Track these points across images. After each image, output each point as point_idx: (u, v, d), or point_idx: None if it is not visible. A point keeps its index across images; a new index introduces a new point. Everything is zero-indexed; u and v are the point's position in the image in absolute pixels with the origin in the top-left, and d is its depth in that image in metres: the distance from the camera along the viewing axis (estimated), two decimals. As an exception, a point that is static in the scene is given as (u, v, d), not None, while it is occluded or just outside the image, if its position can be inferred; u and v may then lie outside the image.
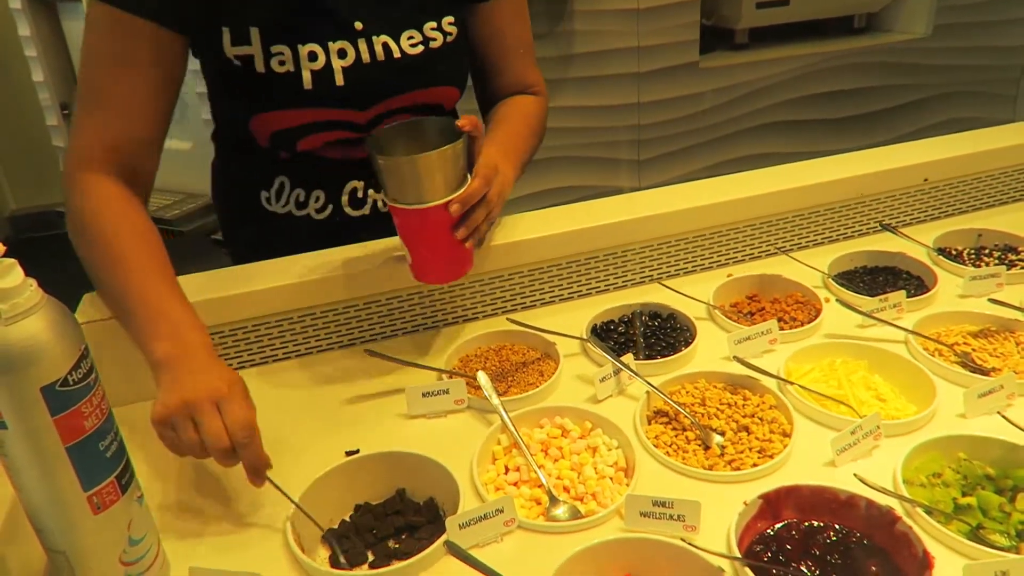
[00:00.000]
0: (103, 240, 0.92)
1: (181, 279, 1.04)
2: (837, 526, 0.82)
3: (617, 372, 1.00)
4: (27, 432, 0.63)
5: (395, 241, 1.12)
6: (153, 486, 0.81)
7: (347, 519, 0.86)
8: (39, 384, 0.61)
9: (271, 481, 0.81)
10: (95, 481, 0.67)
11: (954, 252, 1.31)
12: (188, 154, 2.74)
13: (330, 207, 1.15)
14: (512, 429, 0.91)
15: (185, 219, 2.75)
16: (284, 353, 1.11)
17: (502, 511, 0.80)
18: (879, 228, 1.36)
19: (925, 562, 0.74)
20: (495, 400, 0.94)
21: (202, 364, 0.83)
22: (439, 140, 0.94)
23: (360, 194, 1.16)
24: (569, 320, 1.14)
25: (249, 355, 1.10)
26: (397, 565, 0.77)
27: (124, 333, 0.98)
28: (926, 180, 1.35)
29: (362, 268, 1.09)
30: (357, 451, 0.91)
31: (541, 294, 1.21)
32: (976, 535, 0.79)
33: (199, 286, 1.05)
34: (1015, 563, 0.71)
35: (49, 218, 3.60)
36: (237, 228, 1.25)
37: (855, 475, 0.83)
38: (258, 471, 0.81)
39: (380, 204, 1.17)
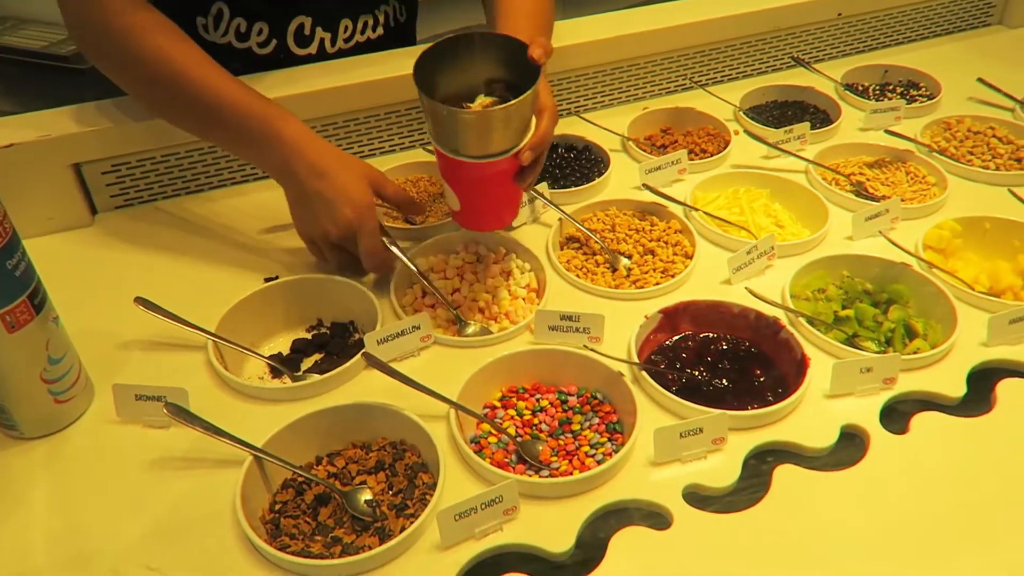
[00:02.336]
0: (178, 72, 0.89)
1: (74, 107, 1.00)
2: (729, 336, 0.89)
3: (532, 200, 1.02)
4: (-73, 249, 0.62)
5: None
6: (69, 314, 0.82)
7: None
8: (-67, 199, 0.60)
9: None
10: (6, 300, 0.68)
11: (861, 88, 1.35)
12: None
13: (274, 42, 1.08)
14: (414, 268, 0.91)
15: (82, 56, 2.56)
16: (197, 185, 1.09)
17: (418, 327, 0.84)
18: (791, 63, 1.38)
19: (802, 363, 0.82)
20: (400, 255, 0.91)
21: (329, 186, 0.86)
22: (490, 61, 0.82)
23: (307, 31, 1.08)
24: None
25: (160, 187, 1.07)
26: (319, 377, 0.81)
27: (22, 163, 0.95)
28: (840, 15, 1.37)
29: (276, 95, 1.05)
30: (276, 278, 0.93)
31: (459, 126, 1.20)
32: (851, 342, 0.87)
33: (103, 115, 1.00)
34: (878, 361, 0.80)
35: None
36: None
37: (746, 288, 0.89)
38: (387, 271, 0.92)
39: (328, 44, 1.10)
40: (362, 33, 1.13)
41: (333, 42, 1.11)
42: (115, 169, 1.03)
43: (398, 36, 1.19)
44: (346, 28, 1.11)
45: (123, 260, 0.99)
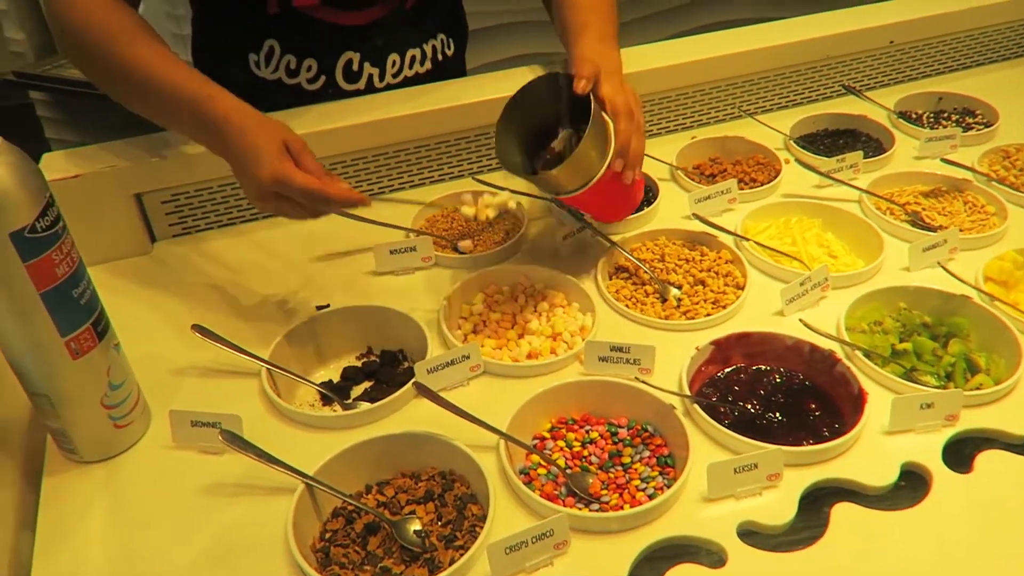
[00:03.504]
0: (107, 48, 0.88)
1: (136, 139, 1.04)
2: (782, 369, 0.87)
3: (580, 230, 1.02)
4: (0, 278, 0.64)
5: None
6: (128, 340, 0.83)
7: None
8: (7, 230, 0.62)
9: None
10: (71, 327, 0.70)
11: (914, 115, 1.33)
12: (140, 17, 2.62)
13: (322, 78, 1.10)
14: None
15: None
16: (252, 214, 1.12)
17: (468, 357, 0.84)
18: (842, 91, 1.37)
19: (859, 398, 0.80)
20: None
21: (244, 151, 0.83)
22: (556, 96, 0.91)
23: (356, 67, 1.10)
24: (535, 181, 1.15)
25: (216, 216, 1.10)
26: (369, 406, 0.82)
27: (87, 193, 0.99)
28: (892, 42, 1.35)
29: (328, 127, 1.08)
30: (327, 306, 0.94)
31: (507, 156, 1.21)
32: (910, 376, 0.85)
33: (165, 146, 1.04)
34: (939, 396, 0.78)
35: (-1, 89, 3.45)
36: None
37: (800, 320, 0.88)
38: (354, 204, 0.84)
39: (376, 79, 1.13)
40: (410, 68, 1.15)
41: (381, 77, 1.13)
42: (174, 198, 1.06)
43: (447, 70, 1.20)
44: (394, 63, 1.13)
45: (180, 288, 1.01)
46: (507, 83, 1.15)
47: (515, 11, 2.19)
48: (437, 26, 1.17)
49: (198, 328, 0.85)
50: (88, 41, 0.90)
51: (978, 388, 0.82)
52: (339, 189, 0.83)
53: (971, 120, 1.30)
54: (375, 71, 1.12)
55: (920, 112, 1.34)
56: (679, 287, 0.97)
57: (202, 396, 0.86)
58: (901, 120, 1.29)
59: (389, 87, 1.14)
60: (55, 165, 0.99)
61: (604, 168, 0.88)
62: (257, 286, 1.00)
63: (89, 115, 2.75)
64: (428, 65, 1.17)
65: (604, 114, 0.89)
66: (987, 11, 1.40)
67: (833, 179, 1.12)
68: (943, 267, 0.97)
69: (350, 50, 1.09)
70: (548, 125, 0.94)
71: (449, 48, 1.20)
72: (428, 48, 1.16)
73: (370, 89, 1.13)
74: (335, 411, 0.84)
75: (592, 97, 0.88)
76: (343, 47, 1.08)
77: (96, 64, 0.92)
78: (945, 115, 1.33)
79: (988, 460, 0.76)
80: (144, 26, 0.91)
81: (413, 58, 1.14)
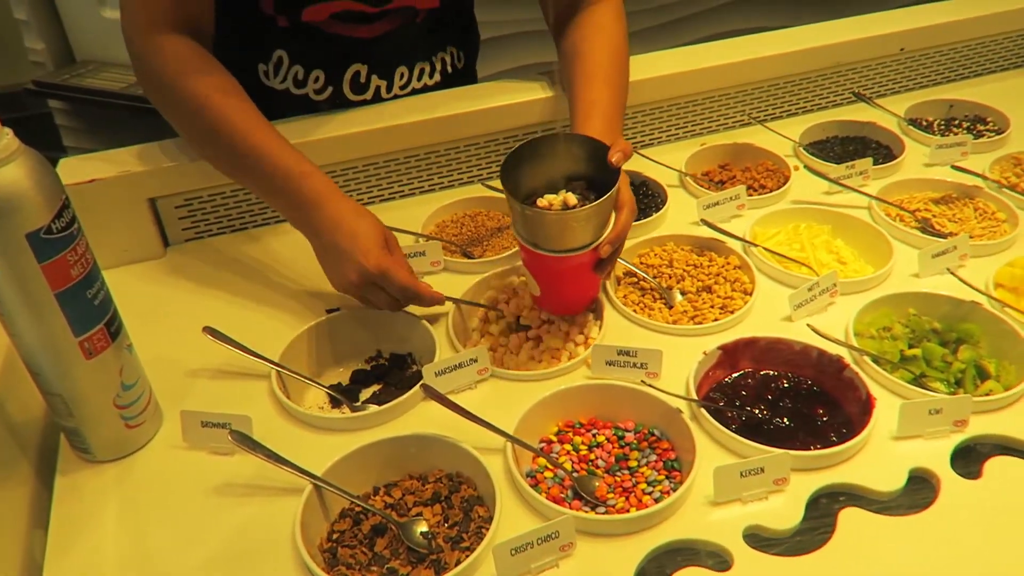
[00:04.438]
0: (196, 101, 0.91)
1: (151, 144, 1.05)
2: (790, 374, 0.87)
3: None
4: (16, 278, 0.65)
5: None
6: (141, 342, 0.85)
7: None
8: (24, 231, 0.64)
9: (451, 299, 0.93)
10: (85, 327, 0.71)
11: (925, 123, 1.32)
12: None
13: (330, 89, 1.11)
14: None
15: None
16: (264, 219, 1.13)
17: (476, 360, 0.85)
18: (853, 98, 1.37)
19: (867, 403, 0.80)
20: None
21: (343, 238, 0.88)
22: (572, 158, 0.87)
23: (363, 79, 1.11)
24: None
25: (229, 221, 1.11)
26: (377, 408, 0.82)
27: (102, 197, 1.00)
28: (902, 49, 1.35)
29: (339, 133, 1.09)
30: (338, 309, 0.95)
31: (517, 162, 1.22)
32: (919, 382, 0.85)
33: (178, 152, 1.05)
34: (948, 402, 0.78)
35: (19, 98, 3.49)
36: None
37: (808, 325, 0.88)
38: (439, 303, 0.91)
39: (384, 91, 1.13)
40: (418, 80, 1.15)
41: (389, 89, 1.13)
42: (188, 203, 1.08)
43: (457, 81, 1.21)
44: (402, 75, 1.13)
45: (193, 291, 1.02)
46: (517, 91, 1.17)
47: (527, 20, 2.21)
48: (447, 40, 1.17)
49: (209, 330, 0.86)
50: (175, 89, 0.92)
51: (987, 394, 0.82)
52: (429, 291, 0.90)
53: (982, 127, 1.30)
54: (383, 83, 1.13)
55: (931, 119, 1.33)
56: (684, 292, 0.97)
57: (213, 397, 0.86)
58: (912, 127, 1.28)
59: (397, 98, 1.15)
60: (71, 170, 1.01)
61: (593, 244, 0.84)
62: (268, 290, 1.01)
63: (107, 124, 2.79)
64: (437, 77, 1.18)
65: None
66: (998, 19, 1.40)
67: (842, 185, 1.12)
68: (953, 273, 0.96)
69: (358, 62, 1.10)
70: (551, 179, 0.88)
71: (459, 61, 1.21)
72: (437, 61, 1.16)
73: (377, 101, 1.14)
74: (344, 413, 0.85)
75: (617, 173, 0.83)
76: (351, 59, 1.09)
77: (181, 113, 0.94)
78: (956, 122, 1.32)
79: (997, 466, 0.75)
80: (232, 81, 0.94)
81: (422, 71, 1.15)
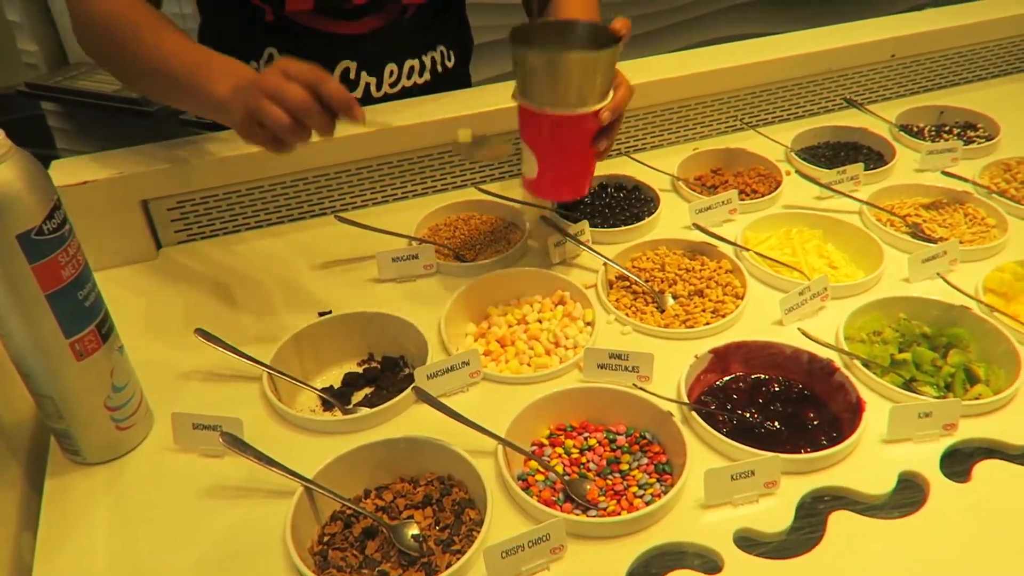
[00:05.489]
0: (133, 29, 0.92)
1: (143, 147, 1.05)
2: (781, 378, 0.88)
3: (578, 234, 1.03)
4: (6, 279, 0.65)
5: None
6: (132, 344, 0.84)
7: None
8: (15, 231, 0.63)
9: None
10: (76, 329, 0.71)
11: (916, 129, 1.33)
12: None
13: None
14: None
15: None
16: (256, 221, 1.13)
17: (468, 363, 0.85)
18: (844, 104, 1.37)
19: (858, 407, 0.81)
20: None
21: (234, 64, 0.87)
22: (581, 43, 0.89)
23: (352, 75, 1.11)
24: (537, 191, 1.16)
25: (222, 223, 1.11)
26: (369, 411, 0.82)
27: (94, 199, 1.00)
28: (893, 56, 1.36)
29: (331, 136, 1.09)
30: (329, 312, 0.95)
31: (510, 166, 1.22)
32: (909, 386, 0.85)
33: (171, 154, 1.05)
34: (937, 406, 0.78)
35: (12, 99, 3.48)
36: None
37: (799, 329, 0.88)
38: (350, 104, 0.78)
39: (373, 88, 1.13)
40: (408, 78, 1.15)
41: (379, 87, 1.14)
42: (180, 205, 1.08)
43: (448, 81, 1.21)
44: (391, 73, 1.13)
45: (184, 293, 1.02)
46: (509, 94, 1.17)
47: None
48: (437, 38, 1.18)
49: (201, 332, 0.86)
50: (115, 35, 0.93)
51: (977, 398, 0.82)
52: (338, 87, 0.78)
53: (972, 133, 1.31)
54: (372, 80, 1.13)
55: (922, 125, 1.34)
56: (676, 297, 0.97)
57: (205, 399, 0.86)
58: (902, 133, 1.29)
59: (387, 97, 1.15)
60: (63, 171, 1.01)
61: (596, 107, 0.87)
62: (261, 292, 1.01)
63: (100, 126, 2.78)
64: (427, 76, 1.18)
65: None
66: (988, 26, 1.41)
67: (834, 191, 1.13)
68: (943, 278, 0.97)
69: (347, 59, 1.10)
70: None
71: (449, 60, 1.21)
72: (427, 59, 1.17)
73: (367, 98, 1.14)
74: (335, 416, 0.85)
75: (620, 36, 0.86)
76: (340, 56, 1.10)
77: (120, 56, 0.95)
78: (947, 128, 1.33)
79: (986, 470, 0.76)
80: (167, 20, 0.95)
81: (412, 68, 1.15)
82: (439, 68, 1.19)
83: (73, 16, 0.97)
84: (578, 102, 0.86)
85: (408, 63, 1.14)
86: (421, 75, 1.17)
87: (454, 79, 1.23)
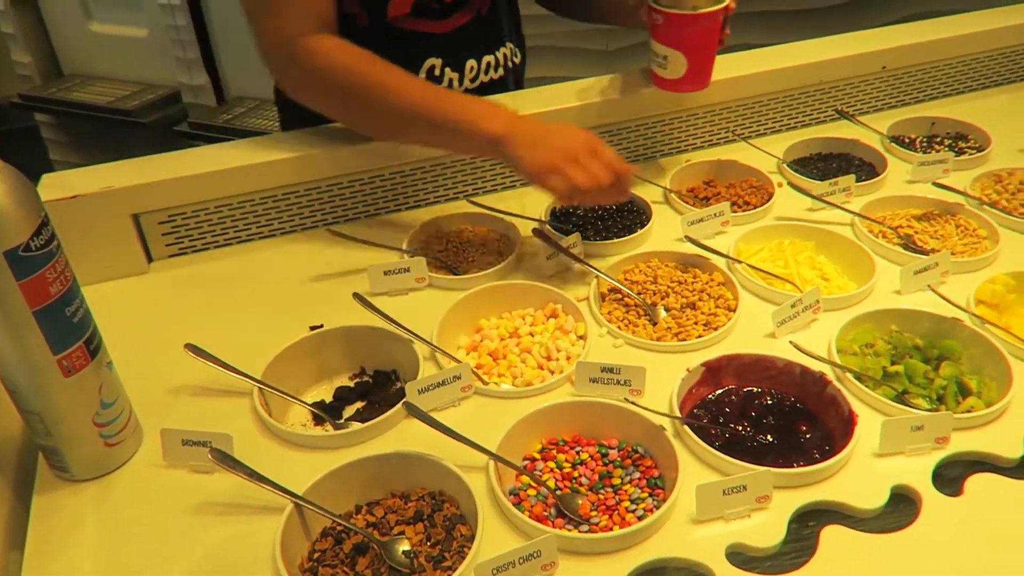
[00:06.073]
0: (379, 81, 1.00)
1: (135, 160, 1.05)
2: (773, 391, 0.87)
3: (570, 247, 1.03)
4: (-7, 296, 0.65)
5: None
6: (122, 359, 0.84)
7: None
8: (2, 248, 0.63)
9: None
10: (64, 345, 0.70)
11: (907, 140, 1.34)
12: (144, 42, 2.65)
13: None
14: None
15: (146, 110, 2.67)
16: (248, 235, 1.13)
17: (459, 377, 0.85)
18: (836, 115, 1.38)
19: (849, 420, 0.81)
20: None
21: (551, 128, 0.98)
22: None
23: (438, 72, 1.14)
24: (531, 203, 1.16)
25: (213, 236, 1.11)
26: (360, 426, 0.82)
27: (85, 213, 1.00)
28: (884, 67, 1.37)
29: (323, 149, 1.09)
30: (321, 326, 0.94)
31: (503, 178, 1.22)
32: (901, 399, 0.85)
33: (163, 167, 1.05)
34: (929, 419, 0.78)
35: (6, 111, 3.48)
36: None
37: (791, 342, 0.88)
38: (627, 193, 1.00)
39: (456, 83, 1.17)
40: (485, 73, 1.20)
41: (460, 82, 1.17)
42: (171, 219, 1.07)
43: (514, 78, 1.27)
44: (472, 69, 1.17)
45: (175, 307, 1.02)
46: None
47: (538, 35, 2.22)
48: (506, 35, 1.23)
49: (191, 347, 0.86)
50: (356, 87, 1.00)
51: (969, 411, 0.82)
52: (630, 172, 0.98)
53: (963, 144, 1.31)
54: (455, 76, 1.16)
55: (913, 137, 1.35)
56: (668, 310, 0.97)
57: (195, 415, 0.86)
58: (894, 144, 1.30)
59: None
60: (53, 186, 1.00)
61: (727, 2, 1.08)
62: (252, 306, 1.01)
63: (94, 138, 2.78)
64: (500, 72, 1.22)
65: None
66: (978, 38, 1.42)
67: (825, 202, 1.13)
68: (934, 290, 0.97)
69: (433, 56, 1.13)
70: None
71: (516, 56, 1.26)
72: (500, 55, 1.21)
73: None
74: (327, 431, 0.85)
75: None
76: (427, 54, 1.13)
77: (365, 106, 1.01)
78: (938, 139, 1.34)
79: (978, 483, 0.76)
80: (399, 68, 1.01)
81: (488, 64, 1.20)
82: (509, 64, 1.24)
83: (303, 72, 1.01)
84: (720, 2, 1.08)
85: (485, 59, 1.19)
86: (496, 71, 1.21)
87: (518, 77, 1.28)
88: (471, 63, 1.17)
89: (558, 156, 0.94)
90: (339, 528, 0.73)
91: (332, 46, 1.00)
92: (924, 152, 1.30)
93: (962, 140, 1.33)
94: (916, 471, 0.76)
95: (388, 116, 1.01)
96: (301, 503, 0.72)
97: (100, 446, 0.77)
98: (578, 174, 0.93)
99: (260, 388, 0.85)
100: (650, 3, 1.10)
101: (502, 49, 1.21)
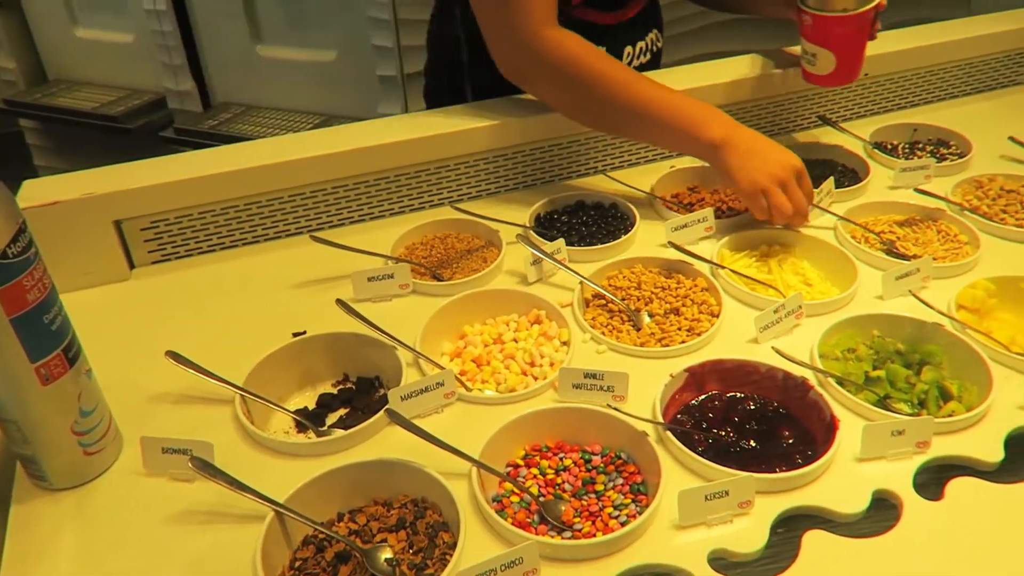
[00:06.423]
0: (611, 76, 1.06)
1: (117, 166, 1.05)
2: (756, 396, 0.88)
3: (554, 253, 1.03)
4: (-31, 304, 0.64)
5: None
6: (103, 367, 0.83)
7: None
8: (-22, 256, 0.63)
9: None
10: (41, 353, 0.70)
11: (890, 146, 1.35)
12: (130, 47, 2.64)
13: None
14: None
15: (131, 116, 2.66)
16: (231, 241, 1.12)
17: (442, 384, 0.84)
18: (818, 122, 1.39)
19: (831, 425, 0.81)
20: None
21: (765, 143, 1.06)
22: None
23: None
24: (517, 209, 1.16)
25: (196, 243, 1.10)
26: (342, 433, 0.82)
27: (66, 219, 0.99)
28: (867, 74, 1.38)
29: (308, 155, 1.09)
30: (304, 332, 0.94)
31: (488, 184, 1.22)
32: (883, 404, 0.86)
33: (145, 174, 1.05)
34: (910, 424, 0.78)
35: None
36: (484, 68, 1.18)
37: (773, 347, 0.89)
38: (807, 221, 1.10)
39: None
40: (636, 59, 1.27)
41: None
42: (154, 225, 1.07)
43: (657, 61, 1.35)
44: (628, 54, 1.25)
45: (157, 314, 1.01)
46: (487, 115, 1.17)
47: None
48: (653, 21, 1.31)
49: (172, 354, 0.85)
50: (583, 77, 1.06)
51: (950, 415, 0.83)
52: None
53: (945, 151, 1.32)
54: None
55: (896, 143, 1.36)
56: (652, 315, 0.97)
57: (176, 423, 0.85)
58: (876, 151, 1.31)
59: (362, 121, 1.17)
60: (34, 192, 1.00)
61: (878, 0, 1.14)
62: (235, 313, 1.01)
63: (78, 143, 2.77)
64: (648, 57, 1.30)
65: None
66: (960, 45, 1.43)
67: (820, 208, 1.14)
68: (915, 295, 0.98)
69: (600, 45, 1.17)
70: None
71: (659, 42, 1.34)
72: (647, 41, 1.29)
73: None
74: (309, 438, 0.84)
75: None
76: (595, 42, 1.14)
77: (588, 95, 1.08)
78: (920, 146, 1.35)
79: (959, 487, 0.76)
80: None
81: (640, 49, 1.27)
82: (654, 49, 1.30)
83: (542, 64, 1.07)
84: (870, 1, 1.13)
85: (639, 44, 1.25)
86: (644, 56, 1.29)
87: (658, 61, 1.36)
88: (628, 49, 1.25)
89: (769, 179, 1.03)
90: (321, 536, 0.73)
91: (568, 39, 1.06)
92: (906, 158, 1.30)
93: (944, 146, 1.34)
94: (897, 475, 0.77)
95: (615, 111, 1.08)
96: (282, 511, 0.71)
97: (79, 455, 0.76)
98: (783, 202, 1.03)
99: (242, 395, 0.84)
100: (799, 3, 1.17)
101: (649, 36, 1.29)
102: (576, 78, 1.06)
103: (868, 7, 1.14)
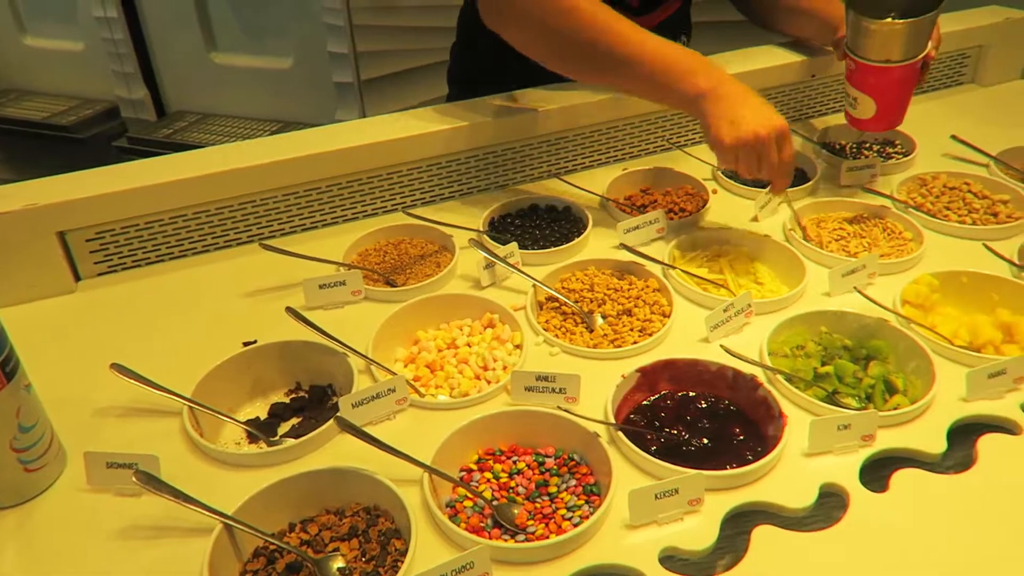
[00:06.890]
0: (606, 25, 1.01)
1: (60, 176, 1.03)
2: (708, 395, 0.89)
3: (507, 257, 1.03)
4: (-103, 320, 0.62)
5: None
6: (46, 381, 0.81)
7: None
8: (-96, 270, 0.61)
9: None
10: (-24, 368, 0.68)
11: (837, 146, 1.37)
12: (80, 56, 2.59)
13: None
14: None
15: (83, 125, 2.61)
16: (180, 251, 1.10)
17: (394, 390, 0.84)
18: (769, 123, 1.41)
19: (780, 421, 0.82)
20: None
21: (754, 99, 1.01)
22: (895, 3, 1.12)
23: None
24: (470, 213, 1.16)
25: (144, 253, 1.09)
26: (293, 442, 0.81)
27: (7, 231, 0.97)
28: (814, 76, 1.40)
29: (257, 162, 1.08)
30: (254, 341, 0.93)
31: (440, 189, 1.22)
32: (832, 399, 0.87)
33: (89, 183, 1.03)
34: (856, 418, 0.80)
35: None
36: (510, 60, 1.15)
37: (721, 346, 0.89)
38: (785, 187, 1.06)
39: None
40: None
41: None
42: (99, 236, 1.05)
43: None
44: None
45: (103, 326, 0.99)
46: (440, 120, 1.17)
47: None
48: (683, 24, 1.31)
49: (117, 367, 0.84)
50: (586, 29, 1.01)
51: (896, 408, 0.84)
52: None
53: (891, 150, 1.35)
54: None
55: (843, 143, 1.38)
56: (604, 317, 0.98)
57: (122, 437, 0.84)
58: (824, 151, 1.33)
59: (314, 127, 1.15)
60: (-27, 204, 0.97)
61: (928, 50, 1.13)
62: (184, 323, 0.99)
63: (27, 154, 2.71)
64: None
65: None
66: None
67: (759, 209, 1.15)
68: (860, 292, 0.99)
69: None
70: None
71: (687, 44, 1.32)
72: (681, 40, 1.29)
73: None
74: (259, 448, 0.83)
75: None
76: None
77: (591, 48, 1.02)
78: (867, 145, 1.37)
79: (903, 479, 0.77)
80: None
81: None
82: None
83: (533, 6, 1.02)
84: (920, 49, 1.12)
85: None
86: None
87: None
88: None
89: (753, 138, 0.98)
90: (272, 548, 0.72)
91: None
92: (854, 157, 1.33)
93: (889, 145, 1.37)
94: (844, 469, 0.78)
95: (600, 56, 1.02)
96: (230, 523, 0.70)
97: (19, 472, 0.75)
98: (760, 163, 1.00)
99: (190, 407, 0.83)
100: (845, 48, 1.16)
101: (682, 37, 1.29)
102: (559, 19, 1.01)
103: (911, 60, 1.12)
